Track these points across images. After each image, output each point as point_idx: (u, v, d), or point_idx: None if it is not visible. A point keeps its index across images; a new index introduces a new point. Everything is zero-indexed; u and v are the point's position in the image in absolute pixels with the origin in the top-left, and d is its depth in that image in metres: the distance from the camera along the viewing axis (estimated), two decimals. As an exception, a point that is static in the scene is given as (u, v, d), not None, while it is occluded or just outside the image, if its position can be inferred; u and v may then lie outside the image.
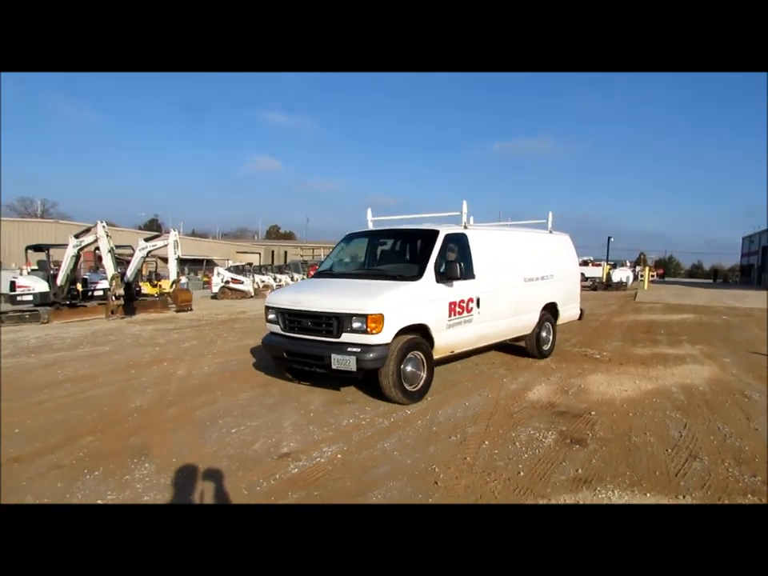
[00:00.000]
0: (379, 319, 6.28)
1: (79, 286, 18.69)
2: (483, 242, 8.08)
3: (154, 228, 69.46)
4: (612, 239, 46.65)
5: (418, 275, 6.96)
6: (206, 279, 38.80)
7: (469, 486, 4.32)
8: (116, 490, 4.25)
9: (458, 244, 7.66)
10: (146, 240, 18.81)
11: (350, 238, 8.72)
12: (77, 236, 17.00)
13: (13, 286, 17.62)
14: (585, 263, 54.98)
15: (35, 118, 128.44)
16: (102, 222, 16.34)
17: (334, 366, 6.36)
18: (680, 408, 6.51)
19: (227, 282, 29.20)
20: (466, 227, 7.86)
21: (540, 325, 9.28)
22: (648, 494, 4.16)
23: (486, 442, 5.31)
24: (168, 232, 18.87)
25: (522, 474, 4.58)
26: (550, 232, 10.16)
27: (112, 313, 16.57)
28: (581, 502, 4.04)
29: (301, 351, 6.82)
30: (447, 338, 7.21)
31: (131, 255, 19.22)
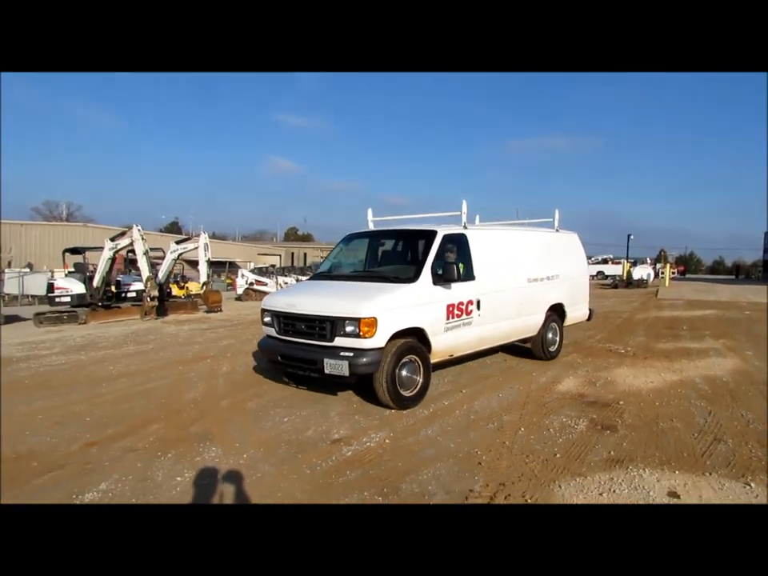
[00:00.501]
0: (372, 323, 6.16)
1: (113, 288, 19.36)
2: (484, 242, 7.91)
3: (175, 231, 70.65)
4: (632, 237, 46.55)
5: (414, 277, 6.80)
6: (229, 281, 39.47)
7: (510, 466, 4.73)
8: (191, 470, 4.72)
9: (458, 245, 7.50)
10: (177, 243, 19.40)
11: (349, 239, 8.60)
12: (112, 239, 17.65)
13: (51, 287, 18.33)
14: (604, 261, 55.10)
15: (55, 121, 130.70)
16: (137, 226, 17.00)
17: (326, 371, 6.28)
18: (704, 397, 6.85)
19: (251, 283, 29.84)
20: (465, 227, 7.69)
21: (546, 326, 9.06)
22: (676, 472, 4.54)
23: (522, 429, 5.71)
24: (197, 235, 19.45)
25: (558, 455, 4.97)
26: (557, 230, 9.90)
27: (146, 314, 17.20)
28: (613, 481, 4.42)
29: (295, 355, 6.75)
30: (445, 342, 7.07)
31: (162, 258, 19.85)
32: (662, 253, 56.12)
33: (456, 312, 7.20)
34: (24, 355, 10.53)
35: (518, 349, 10.03)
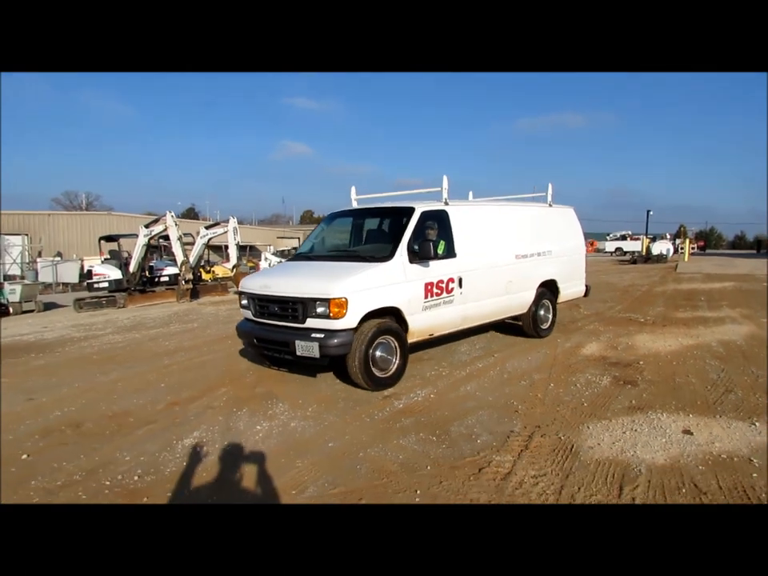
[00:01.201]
0: (342, 304, 6.12)
1: (147, 273, 20.27)
2: (467, 218, 7.76)
3: (191, 216, 71.65)
4: (651, 213, 46.60)
5: (389, 255, 6.69)
6: (251, 264, 40.39)
7: (543, 413, 5.44)
8: (266, 420, 5.50)
9: (438, 221, 7.37)
10: (207, 228, 20.23)
11: (332, 218, 8.53)
12: (147, 226, 18.49)
13: (90, 274, 19.30)
14: (623, 237, 55.26)
15: (67, 114, 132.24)
16: (170, 212, 17.82)
17: (298, 353, 6.28)
18: (718, 357, 7.49)
19: (274, 266, 30.66)
20: (446, 203, 7.55)
21: (537, 303, 8.95)
22: (690, 415, 5.23)
23: (552, 385, 6.41)
24: (225, 221, 20.22)
25: (585, 404, 5.68)
26: (550, 205, 9.68)
27: (181, 297, 18.09)
28: (635, 423, 5.11)
29: (269, 337, 6.75)
30: (424, 321, 7.00)
31: (192, 243, 20.68)
32: (682, 228, 56.05)
33: (435, 290, 7.08)
34: (82, 335, 11.42)
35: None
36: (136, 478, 4.31)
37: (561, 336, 9.29)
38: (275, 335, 6.66)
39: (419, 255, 6.77)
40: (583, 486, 3.90)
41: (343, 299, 6.12)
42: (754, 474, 3.98)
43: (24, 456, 4.83)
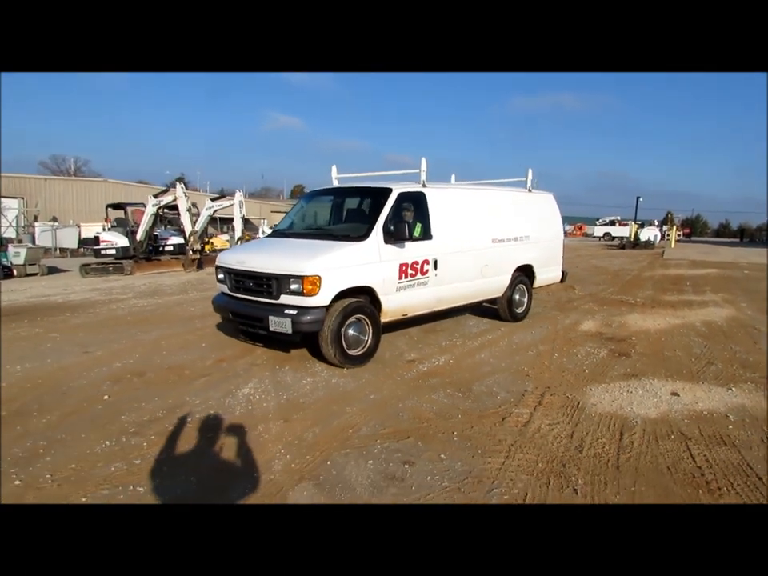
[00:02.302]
0: (316, 281, 6.23)
1: (152, 242, 20.78)
2: (444, 201, 7.89)
3: (171, 184, 71.47)
4: (641, 199, 47.64)
5: (364, 235, 6.82)
6: (247, 237, 40.82)
7: (551, 377, 6.29)
8: (310, 377, 6.28)
9: (415, 203, 7.50)
10: (213, 200, 20.73)
11: (311, 196, 8.67)
12: (156, 196, 18.98)
13: (97, 240, 19.78)
14: (612, 223, 56.29)
15: (54, 78, 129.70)
16: (180, 183, 18.36)
17: (271, 328, 6.41)
18: (702, 335, 8.41)
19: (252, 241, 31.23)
20: (424, 185, 7.64)
21: (512, 288, 9.15)
22: (677, 381, 6.11)
23: (556, 354, 7.27)
24: (232, 194, 20.75)
25: (586, 371, 6.54)
26: (529, 191, 9.82)
27: (188, 266, 18.69)
28: (630, 386, 5.97)
29: (244, 312, 6.88)
30: (398, 301, 7.14)
31: (197, 214, 21.19)
32: (669, 215, 57.20)
33: (410, 272, 7.21)
34: (106, 299, 12.07)
35: (542, 299, 11.53)
36: (212, 414, 5.10)
37: (560, 314, 10.16)
38: (250, 310, 6.78)
39: (394, 236, 6.91)
40: (590, 431, 4.75)
41: (316, 277, 6.23)
42: (730, 426, 4.86)
43: (105, 397, 5.58)
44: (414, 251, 7.24)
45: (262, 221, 44.41)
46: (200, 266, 19.76)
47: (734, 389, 5.86)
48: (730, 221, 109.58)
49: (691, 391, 5.80)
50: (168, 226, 23.36)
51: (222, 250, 25.13)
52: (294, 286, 6.33)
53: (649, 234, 38.82)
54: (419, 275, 7.37)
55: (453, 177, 9.72)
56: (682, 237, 55.29)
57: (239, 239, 20.75)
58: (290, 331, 6.29)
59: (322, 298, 6.34)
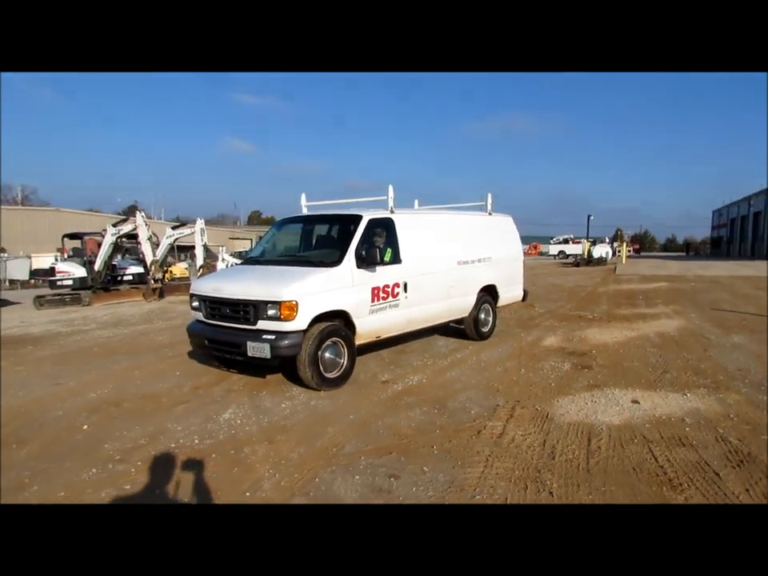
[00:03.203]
0: (293, 306, 6.38)
1: (110, 272, 20.47)
2: (411, 226, 8.17)
3: (133, 214, 70.36)
4: (592, 217, 49.36)
5: (338, 261, 7.03)
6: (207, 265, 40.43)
7: (520, 391, 6.61)
8: (288, 401, 6.42)
9: (384, 229, 7.76)
10: (174, 228, 20.63)
11: (282, 224, 8.91)
12: (115, 225, 18.79)
13: (52, 271, 19.40)
14: (565, 241, 58.05)
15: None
16: (141, 212, 18.26)
17: (249, 354, 6.51)
18: (656, 346, 8.92)
19: (232, 266, 31.03)
20: (392, 211, 7.93)
21: (478, 307, 9.43)
22: (637, 390, 6.51)
23: (522, 370, 7.61)
24: (193, 222, 20.69)
25: (552, 384, 6.88)
26: (490, 214, 10.23)
27: (149, 295, 18.50)
28: (594, 396, 6.34)
29: (220, 338, 6.97)
30: (371, 324, 7.36)
31: (157, 243, 21.01)
32: (619, 232, 59.43)
33: (382, 295, 7.46)
34: (69, 330, 11.92)
35: (504, 318, 11.95)
36: (196, 441, 5.20)
37: (523, 331, 10.56)
38: (226, 336, 6.88)
39: (366, 261, 7.14)
40: (560, 439, 5.06)
41: (293, 302, 6.40)
42: (687, 428, 5.25)
43: (84, 427, 5.61)
44: (385, 275, 7.49)
45: (221, 248, 44.13)
46: (161, 294, 19.58)
47: (688, 394, 6.29)
48: (676, 235, 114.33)
49: (650, 398, 6.20)
50: (126, 256, 23.04)
51: (182, 278, 25.16)
52: (271, 312, 6.46)
53: (601, 251, 40.20)
54: (390, 298, 7.63)
55: (416, 202, 10.01)
56: (632, 252, 57.42)
57: (201, 267, 20.65)
58: (268, 356, 6.41)
59: (300, 322, 6.49)
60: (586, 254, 39.70)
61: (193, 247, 42.47)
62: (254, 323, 6.61)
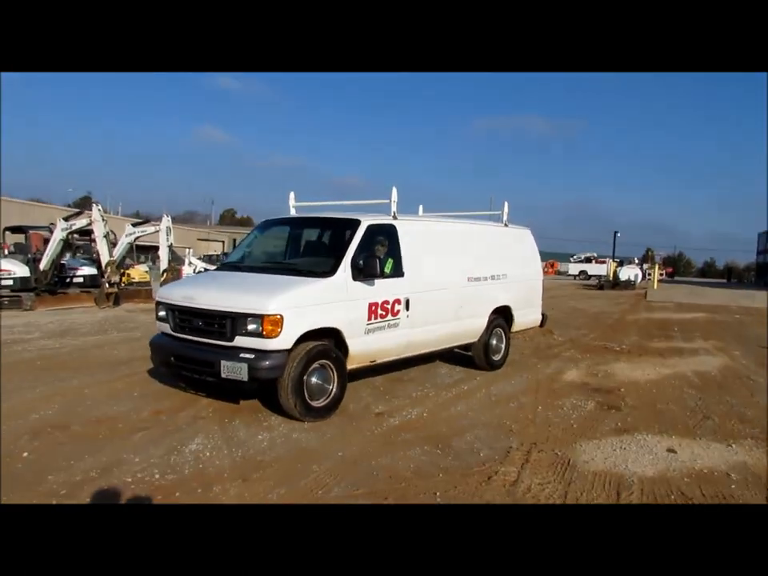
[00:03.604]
0: (277, 321, 6.32)
1: (58, 273, 20.38)
2: (417, 235, 8.20)
3: (87, 206, 70.27)
4: (619, 234, 49.73)
5: (331, 271, 7.01)
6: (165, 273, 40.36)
7: (536, 432, 6.61)
8: (266, 431, 6.38)
9: (385, 236, 7.79)
10: (134, 225, 20.60)
11: (266, 226, 8.96)
12: (66, 219, 18.76)
13: (-11, 270, 19.25)
14: (588, 260, 58.48)
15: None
16: (97, 205, 18.24)
17: (223, 375, 6.45)
18: (695, 387, 8.96)
19: (200, 272, 30.97)
20: (395, 217, 7.94)
21: (489, 332, 9.41)
22: (673, 437, 6.52)
23: (540, 407, 7.61)
24: (159, 219, 20.70)
25: (575, 425, 6.89)
26: (506, 225, 10.27)
27: (103, 301, 18.39)
28: (623, 442, 6.34)
29: (190, 355, 6.90)
30: (365, 345, 7.33)
31: (114, 241, 20.97)
32: (650, 252, 59.89)
33: (380, 312, 7.45)
34: (8, 339, 11.79)
35: (518, 345, 11.97)
36: (157, 475, 5.14)
37: (540, 362, 10.60)
38: (197, 353, 6.83)
39: (364, 272, 7.11)
40: (585, 491, 5.04)
41: (278, 316, 6.33)
42: (732, 486, 5.25)
43: (25, 454, 5.54)
44: (384, 289, 7.46)
45: (188, 250, 44.07)
46: (116, 301, 19.48)
47: (733, 445, 6.31)
48: (716, 259, 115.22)
49: (689, 447, 6.21)
50: (78, 254, 22.98)
51: (142, 282, 25.09)
52: (251, 327, 6.39)
53: (629, 273, 40.51)
54: (390, 316, 7.58)
55: (420, 208, 10.09)
56: (664, 276, 57.93)
57: (165, 271, 20.60)
58: (245, 378, 6.32)
59: (284, 340, 6.41)
60: (611, 275, 39.98)
61: (155, 248, 42.51)
62: (231, 339, 6.53)
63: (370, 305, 7.32)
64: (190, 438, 6.10)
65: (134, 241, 20.59)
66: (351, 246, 7.25)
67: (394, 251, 7.79)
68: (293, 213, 8.98)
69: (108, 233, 18.37)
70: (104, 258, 18.38)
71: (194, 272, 30.58)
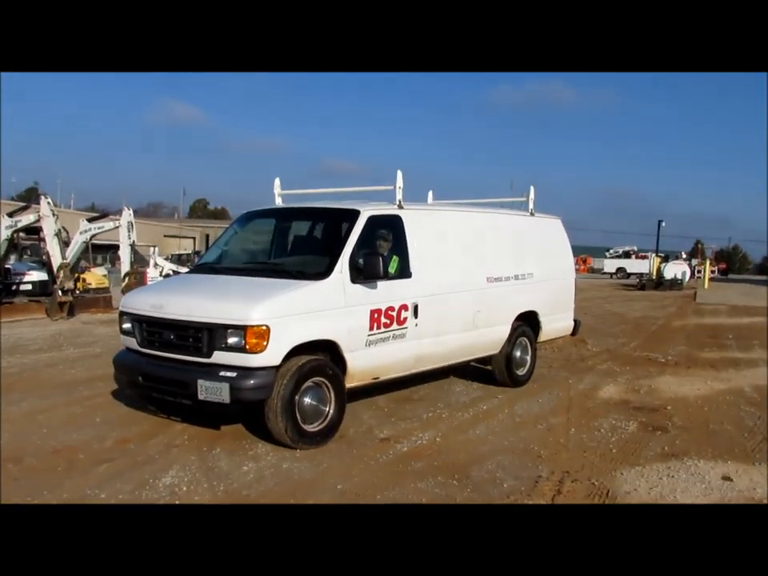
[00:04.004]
0: (263, 333, 6.29)
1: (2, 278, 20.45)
2: (426, 227, 8.18)
3: (35, 200, 70.29)
4: (663, 224, 49.70)
5: (325, 272, 6.98)
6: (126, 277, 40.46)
7: (569, 459, 6.70)
8: (252, 461, 6.46)
9: (389, 230, 7.78)
10: (90, 221, 20.68)
11: (247, 219, 8.99)
12: (11, 215, 18.84)
13: None
14: (626, 255, 58.54)
15: None
16: (46, 198, 18.30)
17: (201, 396, 6.42)
18: (754, 404, 9.08)
19: (167, 275, 31.09)
20: (400, 206, 7.91)
21: (512, 342, 9.37)
22: (729, 462, 6.61)
23: (573, 430, 7.71)
24: (119, 212, 20.80)
25: (614, 450, 6.98)
26: (532, 214, 10.26)
27: (56, 311, 18.42)
28: (671, 469, 6.42)
29: (160, 375, 6.91)
30: (367, 360, 7.31)
31: (67, 240, 21.04)
32: (699, 246, 59.99)
33: (383, 320, 7.39)
34: (-55, 357, 11.89)
35: (545, 357, 12.05)
36: (128, 516, 5.22)
37: (571, 376, 10.71)
38: (169, 372, 6.85)
39: (365, 273, 7.06)
40: (627, 526, 5.13)
41: (264, 327, 6.29)
42: (797, 517, 5.33)
43: (-27, 490, 5.62)
44: (388, 293, 7.41)
45: (153, 249, 44.18)
46: (71, 311, 19.52)
47: (798, 470, 6.40)
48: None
49: (747, 474, 6.30)
50: (25, 256, 23.06)
51: (100, 288, 25.15)
52: (233, 340, 6.37)
53: (675, 270, 40.58)
54: (395, 325, 7.51)
55: (430, 194, 10.08)
56: (716, 274, 57.90)
57: (126, 275, 20.68)
58: (227, 400, 6.31)
59: (271, 355, 6.39)
60: (654, 273, 40.01)
61: (115, 247, 42.70)
62: (208, 355, 6.52)
63: (372, 312, 7.26)
64: (163, 470, 6.18)
65: (90, 239, 20.69)
66: (349, 241, 7.19)
67: (400, 247, 7.73)
68: (278, 203, 8.98)
69: (59, 230, 18.44)
70: (55, 261, 18.44)
71: (160, 275, 30.89)
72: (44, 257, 20.03)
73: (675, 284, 38.80)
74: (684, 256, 51.59)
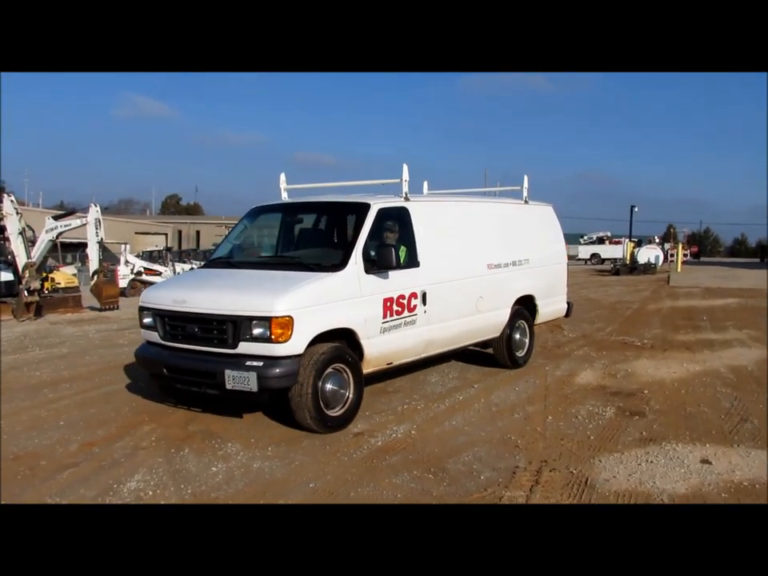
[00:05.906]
0: (287, 323, 6.53)
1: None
2: (432, 217, 8.51)
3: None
4: (636, 209, 49.97)
5: (341, 264, 7.24)
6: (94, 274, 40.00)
7: (547, 447, 6.58)
8: (221, 462, 6.28)
9: (397, 221, 8.06)
10: (56, 218, 20.33)
11: (256, 214, 9.23)
12: (-27, 214, 18.43)
13: None
14: (600, 241, 58.90)
15: None
16: (10, 196, 17.92)
17: (228, 386, 6.62)
18: (730, 385, 9.04)
19: (139, 273, 30.80)
20: (407, 198, 8.18)
21: (511, 325, 9.70)
22: (707, 445, 6.53)
23: (550, 417, 7.60)
24: (86, 210, 20.47)
25: (592, 437, 6.88)
26: (526, 202, 10.60)
27: (23, 312, 18.07)
28: (649, 454, 6.33)
29: (186, 366, 7.10)
30: (382, 346, 7.59)
31: (32, 239, 20.68)
32: (672, 230, 60.48)
33: (396, 308, 7.69)
34: None
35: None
36: (91, 523, 5.02)
37: (548, 363, 10.61)
38: (195, 363, 7.04)
39: (378, 264, 7.35)
40: (606, 516, 5.01)
41: (288, 317, 6.54)
42: (778, 500, 5.26)
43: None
44: (399, 282, 7.68)
45: (124, 246, 43.70)
46: (38, 312, 19.18)
47: (777, 452, 6.34)
48: (747, 235, 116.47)
49: (725, 457, 6.22)
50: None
51: (69, 288, 24.75)
52: (258, 331, 6.59)
53: (649, 254, 40.92)
54: (406, 312, 7.82)
55: (425, 185, 10.15)
56: (689, 257, 58.43)
57: (95, 273, 20.36)
58: (255, 389, 6.49)
59: (295, 344, 6.63)
60: (628, 257, 40.25)
61: (83, 245, 42.34)
62: (234, 346, 6.73)
63: (385, 300, 7.55)
64: (128, 474, 5.98)
65: (57, 237, 20.42)
66: (362, 233, 7.47)
67: (408, 237, 8.04)
68: (284, 197, 9.13)
69: (24, 229, 18.11)
70: (21, 260, 18.08)
71: (131, 272, 30.59)
72: (8, 256, 19.64)
73: (649, 268, 39.10)
74: (657, 240, 51.95)
